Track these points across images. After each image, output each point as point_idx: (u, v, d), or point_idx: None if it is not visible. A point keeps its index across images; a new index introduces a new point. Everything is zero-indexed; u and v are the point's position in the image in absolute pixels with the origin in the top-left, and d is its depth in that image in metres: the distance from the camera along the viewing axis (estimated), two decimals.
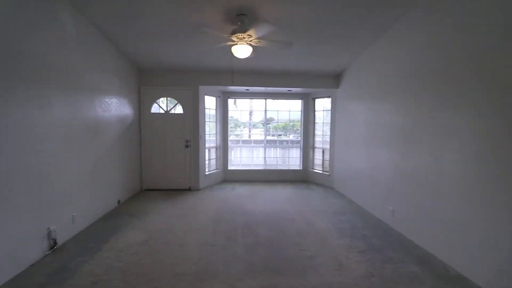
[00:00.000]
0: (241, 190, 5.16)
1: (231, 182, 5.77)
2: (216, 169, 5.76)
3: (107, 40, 3.68)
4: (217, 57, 4.26)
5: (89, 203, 3.35)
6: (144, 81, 4.90)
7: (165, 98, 5.10)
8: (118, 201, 4.16)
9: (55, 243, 2.70)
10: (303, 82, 5.20)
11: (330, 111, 5.49)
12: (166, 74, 4.92)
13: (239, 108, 6.43)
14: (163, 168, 5.08)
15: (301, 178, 6.05)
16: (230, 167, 6.01)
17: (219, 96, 5.72)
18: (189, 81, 4.96)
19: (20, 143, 2.29)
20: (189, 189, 5.12)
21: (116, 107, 4.02)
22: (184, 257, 2.61)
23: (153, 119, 5.02)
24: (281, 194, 4.90)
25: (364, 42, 3.78)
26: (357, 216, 3.78)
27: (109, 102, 3.81)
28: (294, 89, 5.48)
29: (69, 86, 2.93)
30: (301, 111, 6.10)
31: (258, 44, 3.18)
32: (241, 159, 6.40)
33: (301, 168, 6.11)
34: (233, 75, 4.86)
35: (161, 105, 5.11)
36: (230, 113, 6.03)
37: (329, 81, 5.19)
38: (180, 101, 5.05)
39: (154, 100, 5.02)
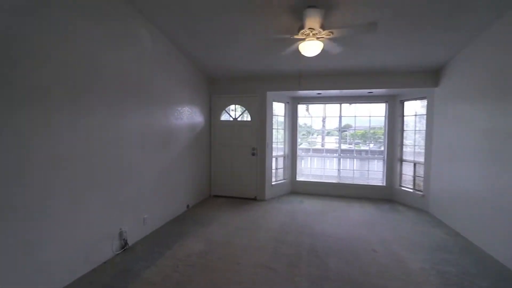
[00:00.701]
0: (310, 205, 4.64)
1: (299, 195, 5.31)
2: (284, 179, 5.41)
3: (179, 51, 3.86)
4: (284, 60, 3.96)
5: (160, 206, 3.50)
6: (215, 90, 5.02)
7: (234, 105, 5.10)
8: (187, 206, 4.28)
9: (126, 243, 2.85)
10: (389, 82, 4.35)
11: (425, 115, 4.42)
12: (235, 82, 4.92)
13: (311, 114, 5.96)
14: (230, 176, 5.06)
15: (384, 196, 5.09)
16: (299, 178, 5.56)
17: (287, 102, 5.40)
18: (256, 88, 4.82)
19: (101, 149, 2.49)
20: (255, 199, 4.93)
21: (187, 115, 4.18)
22: (237, 280, 2.34)
23: (222, 126, 5.08)
24: (358, 215, 4.16)
25: (478, 23, 2.81)
26: (467, 257, 2.78)
27: (181, 111, 3.98)
28: (376, 91, 4.66)
29: (144, 96, 3.12)
30: (385, 116, 5.16)
31: (330, 36, 2.71)
32: (312, 169, 5.87)
33: (384, 184, 5.14)
34: (300, 78, 4.46)
35: (230, 113, 5.13)
36: (301, 120, 5.62)
37: (424, 78, 4.18)
38: (248, 108, 4.95)
39: (223, 108, 5.08)
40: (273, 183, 5.08)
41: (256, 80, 4.81)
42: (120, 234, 2.80)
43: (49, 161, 2.04)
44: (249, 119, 4.97)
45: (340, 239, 3.21)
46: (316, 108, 5.86)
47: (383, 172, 5.19)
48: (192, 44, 3.67)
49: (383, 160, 5.19)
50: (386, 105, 5.14)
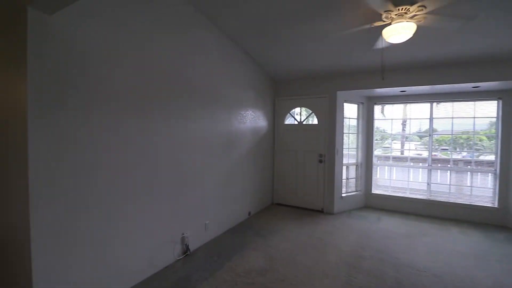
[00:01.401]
0: (390, 225, 3.89)
1: (375, 210, 4.56)
2: (356, 191, 4.74)
3: (244, 53, 3.74)
4: (360, 54, 3.41)
5: (221, 212, 3.41)
6: (279, 92, 4.77)
7: (300, 108, 4.74)
8: (249, 213, 4.11)
9: (188, 248, 2.80)
10: (506, 71, 3.31)
11: None
12: (301, 83, 4.56)
13: (387, 116, 5.10)
14: (294, 184, 4.69)
15: (495, 221, 3.91)
16: (374, 190, 4.80)
17: (362, 103, 4.73)
18: (325, 88, 4.36)
19: (165, 153, 2.50)
20: (322, 211, 4.43)
21: (251, 119, 4.03)
22: None
23: (286, 130, 4.77)
24: (460, 244, 3.24)
25: None
26: None
27: (244, 114, 3.85)
28: (485, 84, 3.62)
29: (209, 99, 3.07)
30: (498, 117, 3.99)
31: (422, 12, 2.12)
32: (391, 181, 5.00)
33: (496, 206, 3.95)
34: (383, 72, 3.79)
35: (295, 116, 4.79)
36: (376, 123, 4.87)
37: None
38: (315, 110, 4.52)
39: (288, 111, 4.77)
40: (343, 195, 4.49)
41: (325, 79, 4.35)
42: (182, 239, 2.77)
43: (117, 164, 2.09)
44: (316, 122, 4.53)
45: (438, 277, 2.48)
46: (394, 109, 4.98)
47: (495, 189, 4.00)
48: (257, 45, 3.51)
49: (495, 173, 4.01)
50: (499, 102, 3.97)
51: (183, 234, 2.77)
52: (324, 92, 4.38)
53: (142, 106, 2.27)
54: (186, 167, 2.78)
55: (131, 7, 2.15)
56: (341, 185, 4.47)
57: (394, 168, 5.03)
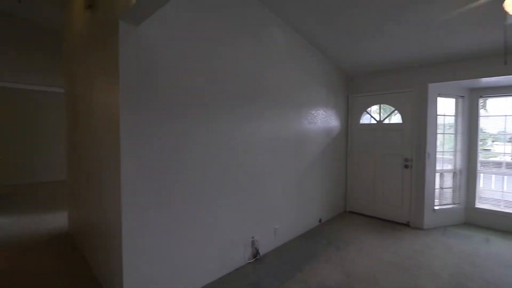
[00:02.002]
0: (504, 249, 3.05)
1: (479, 229, 3.67)
2: (453, 203, 3.92)
3: (314, 48, 3.50)
4: (463, 35, 2.76)
5: (291, 217, 3.25)
6: (353, 89, 4.33)
7: (378, 105, 4.19)
8: (320, 220, 3.83)
9: (257, 252, 2.74)
10: None
11: None
12: (380, 76, 4.03)
13: (490, 113, 4.05)
14: (371, 190, 4.17)
15: None
16: (478, 204, 3.87)
17: (461, 96, 3.88)
18: (411, 80, 3.73)
19: (233, 154, 2.48)
20: (407, 225, 3.81)
21: (322, 119, 3.75)
22: None
23: (362, 131, 4.29)
24: None
25: None
26: None
27: (315, 114, 3.60)
28: None
29: (276, 99, 2.96)
30: None
31: None
32: (503, 193, 3.96)
33: None
34: (506, 54, 2.97)
35: (372, 115, 4.27)
36: (481, 121, 3.92)
37: None
38: (398, 107, 3.92)
39: (364, 109, 4.28)
40: (435, 208, 3.76)
41: (412, 70, 3.72)
42: (253, 242, 2.72)
43: (192, 165, 2.16)
44: (399, 121, 3.92)
45: None
46: (505, 103, 3.90)
47: None
48: (328, 39, 3.22)
49: None
50: None
51: (253, 237, 2.72)
52: (410, 85, 3.75)
53: (213, 108, 2.30)
54: (255, 169, 2.72)
55: (201, 14, 2.19)
56: (434, 195, 3.75)
57: (506, 177, 3.96)
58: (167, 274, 2.01)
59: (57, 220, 3.84)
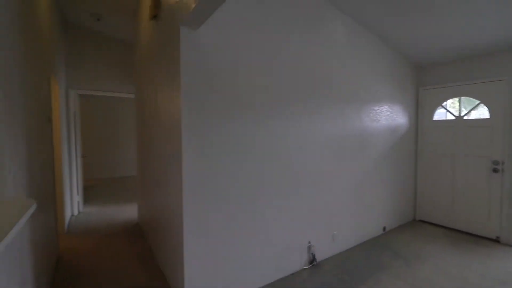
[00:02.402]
0: None
1: None
2: None
3: (377, 37, 3.16)
4: None
5: (351, 224, 3.00)
6: (424, 80, 3.79)
7: (457, 98, 3.58)
8: (384, 228, 3.46)
9: (314, 258, 2.60)
10: None
11: None
12: (458, 64, 3.43)
13: None
14: (449, 198, 3.60)
15: None
16: None
17: None
18: (503, 67, 3.07)
19: (290, 156, 2.39)
20: (496, 241, 3.16)
21: (386, 116, 3.38)
22: None
23: (436, 128, 3.72)
24: None
25: None
26: None
27: (378, 111, 3.26)
28: None
29: (335, 95, 2.76)
30: None
31: None
32: None
33: None
34: None
35: (449, 109, 3.67)
36: None
37: None
38: (485, 100, 3.28)
39: (438, 103, 3.71)
40: None
41: (502, 55, 3.07)
42: (309, 247, 2.58)
43: (249, 165, 2.14)
44: (485, 116, 3.29)
45: None
46: None
47: None
48: (392, 24, 2.86)
49: None
50: None
51: (309, 242, 2.59)
52: (500, 73, 3.10)
53: (271, 108, 2.25)
54: (312, 170, 2.58)
55: (259, 13, 2.15)
56: None
57: None
58: (224, 273, 2.04)
59: (130, 211, 4.32)
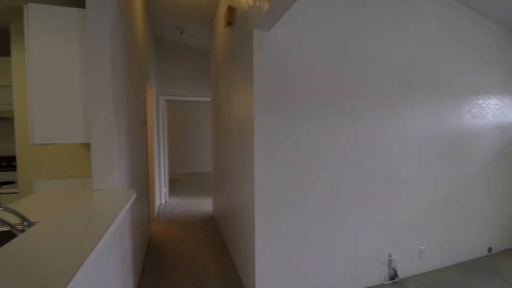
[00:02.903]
0: None
1: None
2: None
3: (478, 14, 2.57)
4: None
5: (443, 239, 2.54)
6: None
7: None
8: (489, 249, 2.82)
9: (395, 274, 2.31)
10: None
11: None
12: None
13: None
14: None
15: None
16: None
17: None
18: None
19: (366, 159, 2.18)
20: None
21: (494, 111, 2.74)
22: None
23: None
24: None
25: None
26: None
27: (483, 105, 2.67)
28: None
29: (427, 90, 2.38)
30: None
31: None
32: None
33: None
34: None
35: None
36: None
37: None
38: None
39: None
40: None
41: None
42: (389, 262, 2.30)
43: (321, 167, 2.04)
44: None
45: None
46: None
47: None
48: None
49: None
50: None
51: (390, 256, 2.30)
52: None
53: (351, 107, 2.09)
54: (395, 175, 2.28)
55: (335, 8, 2.02)
56: None
57: None
58: (296, 277, 2.00)
59: (206, 204, 4.72)
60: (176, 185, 6.48)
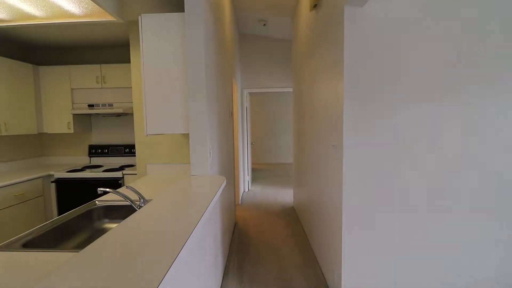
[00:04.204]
0: None
1: None
2: None
3: None
4: None
5: None
6: None
7: None
8: None
9: None
10: None
11: None
12: None
13: None
14: None
15: None
16: None
17: None
18: None
19: (503, 158, 1.71)
20: None
21: None
22: None
23: None
24: None
25: None
26: None
27: None
28: None
29: None
30: None
31: None
32: None
33: None
34: None
35: None
36: None
37: None
38: None
39: None
40: None
41: None
42: None
43: (428, 165, 1.72)
44: None
45: None
46: None
47: None
48: None
49: None
50: None
51: None
52: None
53: (468, 88, 1.67)
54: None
55: None
56: None
57: None
58: (385, 286, 1.78)
59: (286, 195, 4.77)
60: (257, 174, 6.80)
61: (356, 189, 1.73)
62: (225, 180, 1.59)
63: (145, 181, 2.15)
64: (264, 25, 4.23)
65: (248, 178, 5.16)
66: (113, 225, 1.47)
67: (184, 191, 1.33)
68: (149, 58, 1.68)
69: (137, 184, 2.01)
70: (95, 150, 3.23)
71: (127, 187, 1.32)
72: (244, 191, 5.07)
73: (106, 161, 3.25)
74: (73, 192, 2.74)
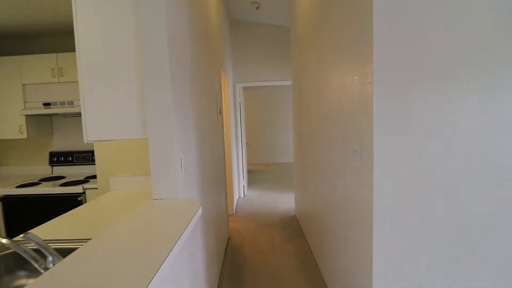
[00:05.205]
0: None
1: None
2: None
3: None
4: None
5: None
6: None
7: None
8: None
9: None
10: None
11: None
12: None
13: None
14: None
15: None
16: None
17: None
18: None
19: None
20: None
21: None
22: None
23: None
24: None
25: None
26: None
27: None
28: None
29: None
30: None
31: None
32: None
33: None
34: None
35: None
36: None
37: None
38: None
39: None
40: None
41: None
42: None
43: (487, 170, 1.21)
44: None
45: None
46: None
47: None
48: None
49: None
50: None
51: None
52: None
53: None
54: None
55: None
56: None
57: None
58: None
59: (287, 200, 4.26)
60: (254, 177, 6.28)
61: (391, 213, 1.22)
62: (201, 208, 1.07)
63: (91, 206, 1.62)
64: (258, 8, 3.69)
65: (243, 182, 4.64)
66: (30, 281, 0.95)
67: (134, 230, 0.82)
68: (88, 36, 1.15)
69: (79, 212, 1.49)
70: (57, 158, 2.69)
71: (26, 235, 0.78)
72: (240, 197, 4.55)
73: (70, 171, 2.71)
74: (24, 212, 2.21)
